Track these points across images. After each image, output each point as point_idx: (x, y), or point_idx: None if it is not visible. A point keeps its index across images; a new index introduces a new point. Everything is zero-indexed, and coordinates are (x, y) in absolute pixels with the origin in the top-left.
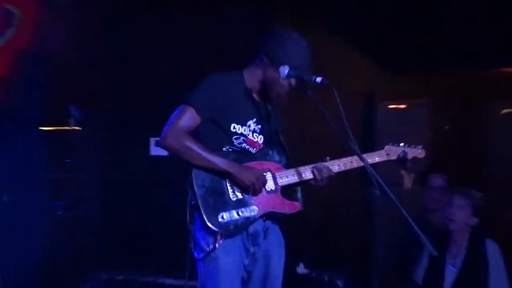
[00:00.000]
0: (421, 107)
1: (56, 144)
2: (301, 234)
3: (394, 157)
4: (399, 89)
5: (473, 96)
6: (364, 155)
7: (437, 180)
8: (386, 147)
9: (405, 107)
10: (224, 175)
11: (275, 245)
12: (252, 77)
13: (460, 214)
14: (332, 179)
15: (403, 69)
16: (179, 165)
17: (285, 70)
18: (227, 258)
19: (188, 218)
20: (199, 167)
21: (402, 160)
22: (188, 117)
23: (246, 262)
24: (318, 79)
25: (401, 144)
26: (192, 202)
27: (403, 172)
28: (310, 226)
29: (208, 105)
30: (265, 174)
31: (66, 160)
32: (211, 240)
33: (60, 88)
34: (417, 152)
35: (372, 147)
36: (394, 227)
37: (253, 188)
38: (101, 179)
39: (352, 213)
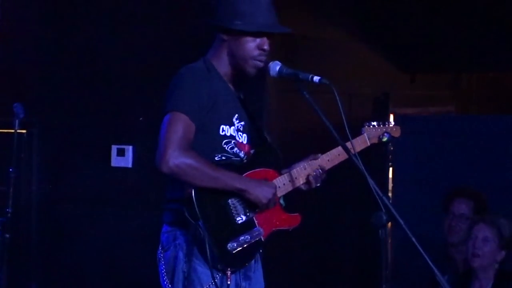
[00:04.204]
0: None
1: None
2: (288, 269)
3: (375, 140)
4: (420, 93)
5: None
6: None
7: (460, 207)
8: (365, 129)
9: (426, 115)
10: (234, 193)
11: (261, 281)
12: (220, 63)
13: (486, 248)
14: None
15: (426, 68)
16: (146, 179)
17: (276, 66)
18: None
19: (179, 255)
20: (204, 188)
21: (384, 143)
22: (184, 127)
23: None
24: (316, 79)
25: (374, 123)
26: (194, 235)
27: None
28: (299, 258)
29: (198, 107)
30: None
31: (10, 170)
32: (217, 276)
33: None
34: (394, 130)
35: (381, 163)
36: (406, 261)
37: (266, 207)
38: (51, 194)
39: (352, 244)
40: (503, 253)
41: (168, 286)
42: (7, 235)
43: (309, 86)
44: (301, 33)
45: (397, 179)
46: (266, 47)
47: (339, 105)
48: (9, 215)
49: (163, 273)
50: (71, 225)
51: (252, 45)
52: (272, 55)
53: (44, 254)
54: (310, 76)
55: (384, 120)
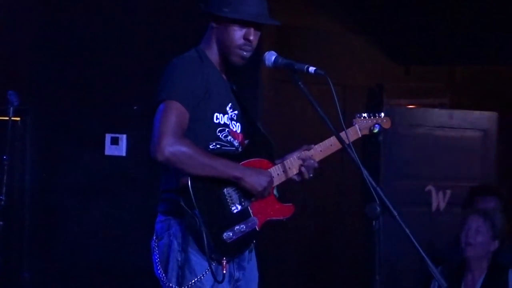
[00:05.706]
0: (442, 107)
1: None
2: (285, 262)
3: (367, 132)
4: (415, 85)
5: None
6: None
7: (489, 205)
8: (356, 121)
9: (421, 107)
10: (229, 181)
11: (255, 271)
12: (211, 52)
13: (479, 238)
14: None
15: (421, 61)
16: (140, 167)
17: (271, 56)
18: None
19: (173, 244)
20: (198, 176)
21: (375, 134)
22: (178, 115)
23: None
24: (311, 69)
25: (364, 115)
26: (190, 224)
27: (430, 187)
28: (296, 251)
29: (191, 95)
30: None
31: (4, 157)
32: (212, 265)
33: None
34: (384, 121)
35: (376, 153)
36: (400, 253)
37: (262, 195)
38: (44, 182)
39: (347, 235)
40: (496, 243)
41: (162, 275)
42: (0, 223)
43: (304, 77)
44: (296, 24)
45: (387, 172)
46: (252, 37)
47: (334, 96)
48: (2, 202)
49: (157, 262)
50: (64, 213)
51: (238, 34)
52: (267, 46)
53: (37, 242)
54: (306, 67)
55: (374, 111)
